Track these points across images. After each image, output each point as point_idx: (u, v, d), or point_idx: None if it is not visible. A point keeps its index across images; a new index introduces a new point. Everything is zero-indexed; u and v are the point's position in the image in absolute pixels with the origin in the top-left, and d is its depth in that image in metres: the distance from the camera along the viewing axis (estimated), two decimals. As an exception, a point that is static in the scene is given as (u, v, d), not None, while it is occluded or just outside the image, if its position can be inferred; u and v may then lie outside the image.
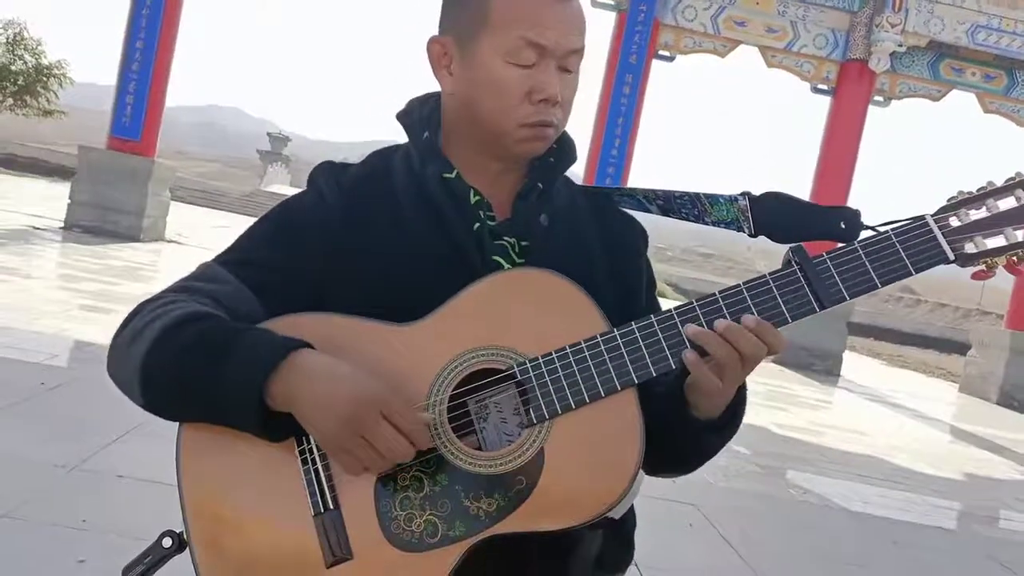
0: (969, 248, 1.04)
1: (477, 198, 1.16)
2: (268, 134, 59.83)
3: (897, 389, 14.09)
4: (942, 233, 1.04)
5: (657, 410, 1.10)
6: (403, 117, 1.22)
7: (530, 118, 1.11)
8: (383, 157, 1.23)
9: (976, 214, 1.04)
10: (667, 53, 13.93)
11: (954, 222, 1.05)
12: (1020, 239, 1.03)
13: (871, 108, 14.21)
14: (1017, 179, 1.05)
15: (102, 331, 6.01)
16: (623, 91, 13.46)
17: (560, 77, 1.12)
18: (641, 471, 1.08)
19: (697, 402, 1.09)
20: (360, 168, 1.21)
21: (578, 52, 1.13)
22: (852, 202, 14.34)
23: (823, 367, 13.35)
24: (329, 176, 1.20)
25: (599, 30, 13.96)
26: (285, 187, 46.29)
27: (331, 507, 1.03)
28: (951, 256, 1.04)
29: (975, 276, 1.07)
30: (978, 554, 4.86)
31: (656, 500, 4.14)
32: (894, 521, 5.24)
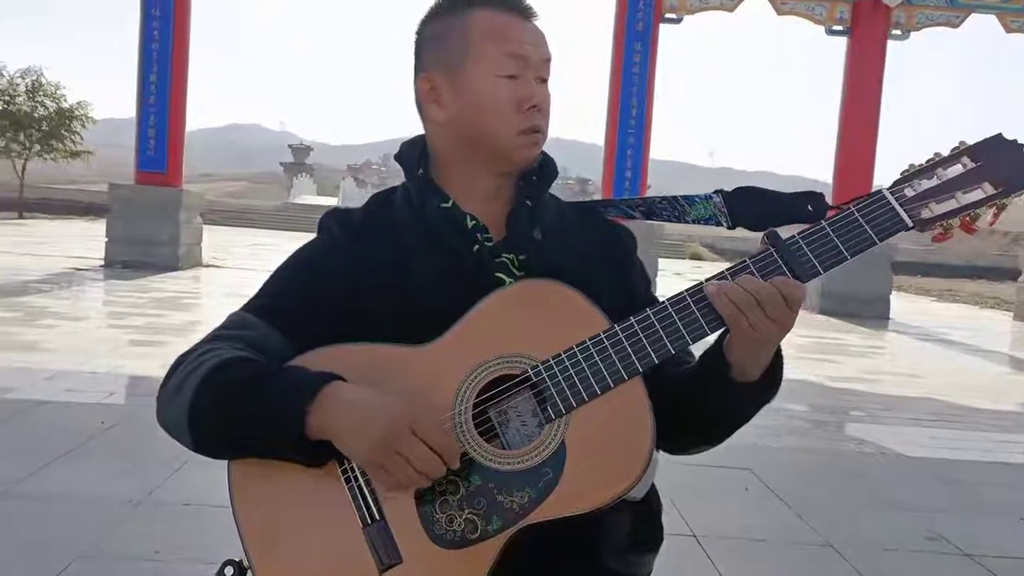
0: (925, 214, 1.14)
1: (474, 222, 1.26)
2: (289, 146, 60.31)
3: (950, 325, 13.87)
4: (899, 203, 1.14)
5: (690, 380, 1.21)
6: (399, 159, 1.34)
7: (523, 125, 1.24)
8: (384, 197, 1.35)
9: (928, 183, 1.14)
10: (673, 15, 13.76)
11: (908, 192, 1.14)
12: (969, 201, 1.13)
13: (890, 43, 13.93)
14: (961, 147, 1.15)
15: (154, 364, 6.19)
16: (634, 60, 13.34)
17: (538, 87, 1.26)
18: (656, 454, 1.17)
19: (737, 361, 1.16)
20: (364, 209, 1.34)
21: (549, 61, 1.28)
22: (881, 141, 14.10)
23: (871, 312, 13.17)
24: (337, 219, 1.32)
25: (603, 1, 13.81)
26: (312, 196, 46.59)
27: (378, 518, 1.12)
28: (909, 223, 1.13)
29: (935, 239, 1.17)
30: (1045, 485, 4.79)
31: (709, 468, 4.15)
32: (954, 461, 5.20)
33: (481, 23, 1.24)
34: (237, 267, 15.09)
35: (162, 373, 1.22)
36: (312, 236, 1.33)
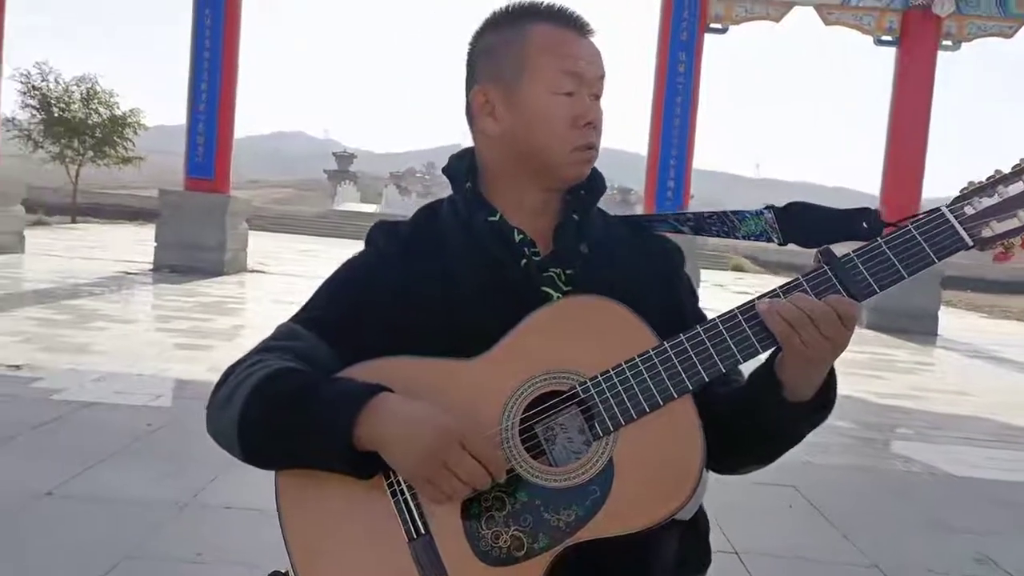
0: (986, 233, 1.10)
1: (521, 236, 1.26)
2: (333, 154, 61.03)
3: (1000, 342, 13.52)
4: (958, 221, 1.10)
5: (741, 399, 1.18)
6: (447, 171, 1.35)
7: (578, 142, 1.24)
8: (430, 210, 1.36)
9: (988, 201, 1.11)
10: (719, 25, 13.66)
11: (968, 210, 1.11)
12: None
13: (940, 54, 13.65)
14: (1023, 165, 1.11)
15: (200, 368, 6.28)
16: (678, 69, 13.27)
17: (592, 104, 1.26)
18: (705, 474, 1.14)
19: (789, 380, 1.14)
20: (411, 222, 1.34)
21: (603, 78, 1.28)
22: (930, 154, 13.82)
23: (920, 328, 12.90)
24: (384, 232, 1.33)
25: (647, 10, 13.77)
26: (356, 204, 46.99)
27: (423, 532, 1.12)
28: (970, 242, 1.10)
29: (996, 259, 1.13)
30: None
31: (752, 484, 4.07)
32: (1005, 482, 5.06)
33: (538, 38, 1.24)
34: (281, 273, 15.29)
35: (208, 377, 1.24)
36: (355, 243, 1.35)
